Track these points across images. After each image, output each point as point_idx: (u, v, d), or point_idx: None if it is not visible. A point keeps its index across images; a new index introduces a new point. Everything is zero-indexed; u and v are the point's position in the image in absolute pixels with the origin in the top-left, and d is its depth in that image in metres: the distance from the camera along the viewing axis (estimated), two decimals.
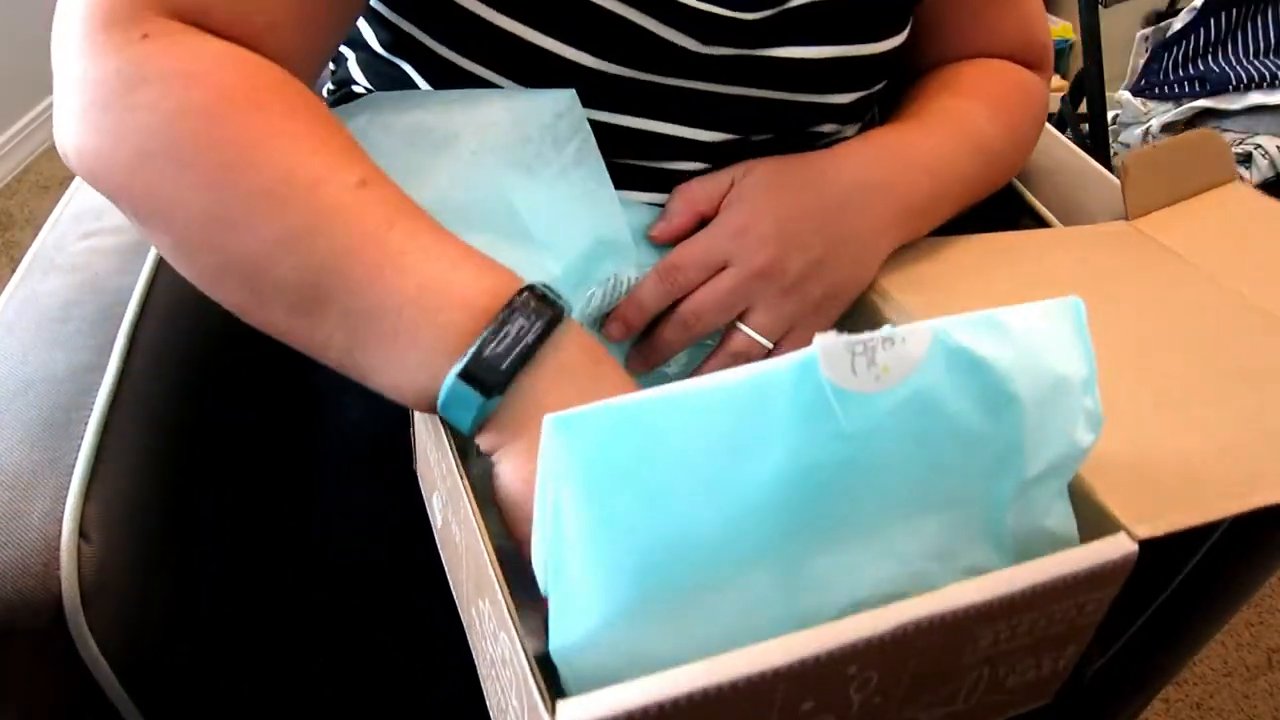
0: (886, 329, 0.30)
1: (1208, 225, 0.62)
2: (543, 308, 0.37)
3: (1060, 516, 0.36)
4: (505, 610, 0.31)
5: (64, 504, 0.43)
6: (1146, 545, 0.34)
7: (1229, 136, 1.46)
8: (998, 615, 0.32)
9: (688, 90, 0.51)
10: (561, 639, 0.29)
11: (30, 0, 2.09)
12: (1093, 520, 0.37)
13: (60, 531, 0.42)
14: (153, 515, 0.49)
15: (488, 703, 0.36)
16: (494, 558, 0.33)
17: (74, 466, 0.45)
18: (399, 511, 0.49)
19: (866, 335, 0.29)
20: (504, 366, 0.35)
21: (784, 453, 0.29)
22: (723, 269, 0.50)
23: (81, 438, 0.46)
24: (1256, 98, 1.46)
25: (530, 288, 0.37)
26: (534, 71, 0.48)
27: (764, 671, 0.28)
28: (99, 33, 0.37)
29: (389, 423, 0.48)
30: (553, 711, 0.27)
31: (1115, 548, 0.33)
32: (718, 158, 0.54)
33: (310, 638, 0.54)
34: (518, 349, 0.36)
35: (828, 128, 0.57)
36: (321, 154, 0.37)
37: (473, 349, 0.35)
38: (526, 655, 0.29)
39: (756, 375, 0.29)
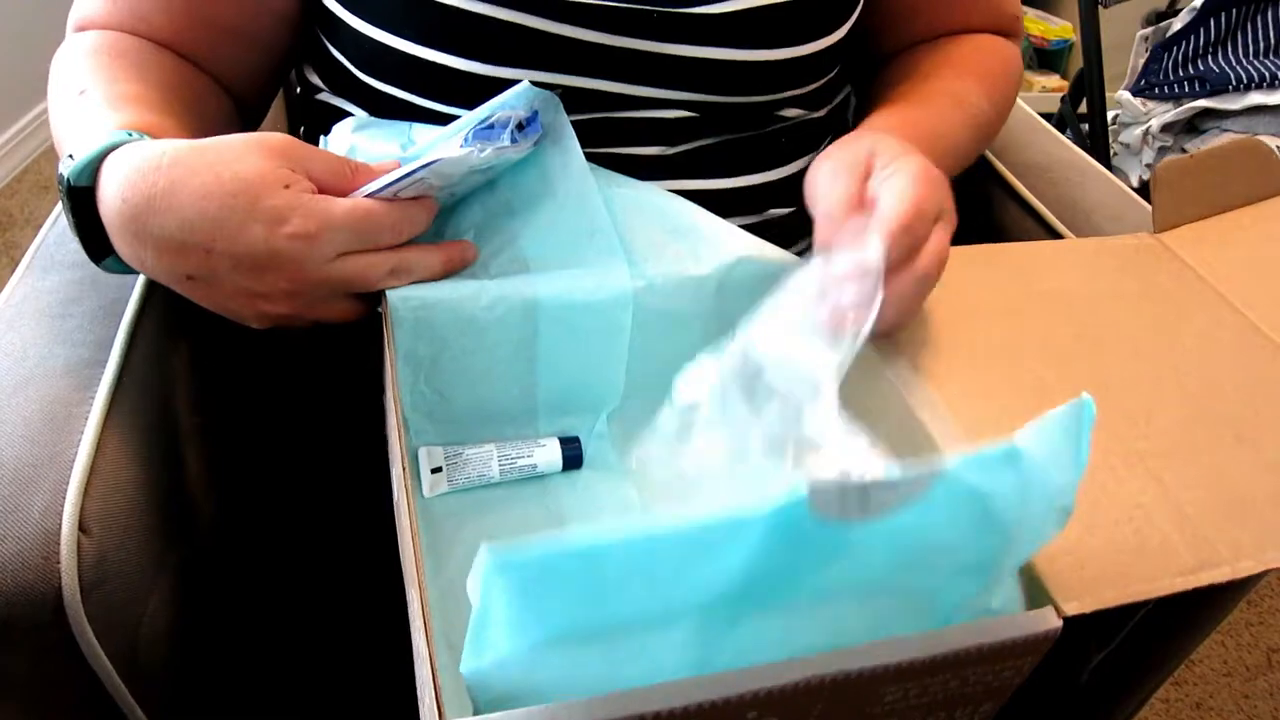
0: (889, 471, 0.29)
1: (1239, 243, 0.59)
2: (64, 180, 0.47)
3: (1007, 594, 0.36)
4: (419, 609, 0.31)
5: (64, 498, 0.43)
6: None
7: (1228, 137, 1.46)
8: (907, 677, 0.31)
9: (652, 57, 0.54)
10: (473, 663, 0.29)
11: (30, 1, 2.09)
12: (1027, 588, 0.36)
13: (60, 525, 0.42)
14: (152, 509, 0.49)
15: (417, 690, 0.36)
16: (419, 551, 0.33)
17: (74, 461, 0.45)
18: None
19: (864, 478, 0.28)
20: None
21: (744, 560, 0.29)
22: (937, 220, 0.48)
23: (81, 433, 0.46)
24: (1256, 98, 1.46)
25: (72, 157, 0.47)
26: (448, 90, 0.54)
27: (660, 711, 0.28)
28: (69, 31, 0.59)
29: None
30: None
31: (1038, 622, 0.33)
32: (674, 136, 0.57)
33: (309, 631, 0.54)
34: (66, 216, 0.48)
35: (791, 112, 0.60)
36: (81, 78, 0.53)
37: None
38: (432, 661, 0.30)
39: (731, 516, 0.28)
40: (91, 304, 0.54)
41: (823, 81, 0.61)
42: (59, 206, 0.63)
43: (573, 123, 0.53)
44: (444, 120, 0.53)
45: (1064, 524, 0.33)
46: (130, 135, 0.48)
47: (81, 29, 0.58)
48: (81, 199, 0.47)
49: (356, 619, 0.53)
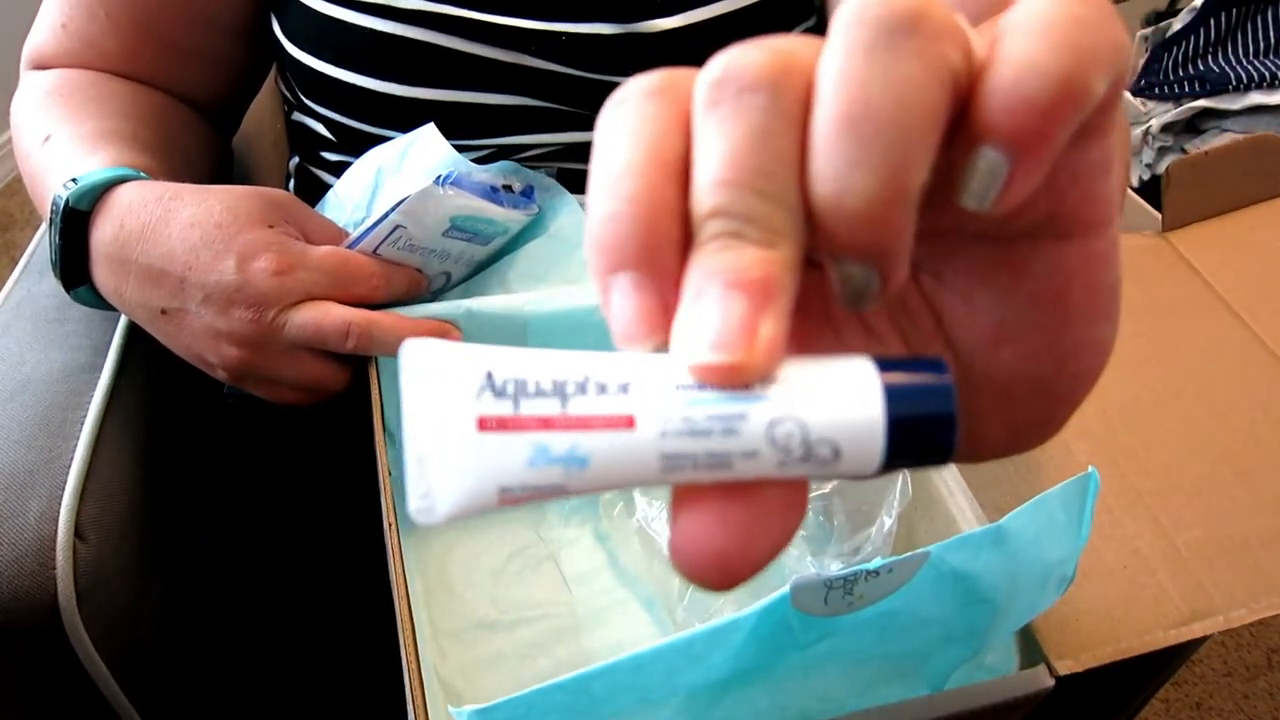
0: (878, 562, 0.28)
1: (1247, 246, 0.57)
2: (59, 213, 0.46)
3: (1000, 654, 0.35)
4: (401, 623, 0.31)
5: (60, 504, 0.43)
6: None
7: (1229, 137, 1.46)
8: None
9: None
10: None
11: (30, 2, 2.09)
12: (1020, 642, 0.36)
13: (56, 531, 0.42)
14: (148, 515, 0.49)
15: None
16: (404, 579, 0.33)
17: (70, 466, 0.45)
18: None
19: (847, 571, 0.28)
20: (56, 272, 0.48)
21: (730, 656, 0.29)
22: None
23: (77, 438, 0.46)
24: (1256, 98, 1.45)
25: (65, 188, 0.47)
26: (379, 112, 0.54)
27: None
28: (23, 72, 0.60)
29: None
30: None
31: (1031, 682, 0.32)
32: None
33: (304, 636, 0.54)
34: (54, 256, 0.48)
35: None
36: (43, 124, 0.53)
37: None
38: (410, 674, 0.30)
39: (716, 627, 0.28)
40: (88, 309, 0.54)
41: None
42: None
43: (490, 145, 0.53)
44: (376, 141, 0.53)
45: (1064, 590, 0.33)
46: (139, 174, 0.48)
47: (37, 66, 0.58)
48: (74, 223, 0.47)
49: (350, 624, 0.53)
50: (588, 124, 0.54)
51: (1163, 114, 1.53)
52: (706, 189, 0.17)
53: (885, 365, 0.17)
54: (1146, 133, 1.55)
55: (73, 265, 0.48)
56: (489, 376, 0.17)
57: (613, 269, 0.17)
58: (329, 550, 0.56)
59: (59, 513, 0.43)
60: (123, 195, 0.46)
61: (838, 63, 0.16)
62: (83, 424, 0.47)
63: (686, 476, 0.16)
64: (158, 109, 0.58)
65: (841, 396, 0.16)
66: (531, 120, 0.55)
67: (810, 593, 0.28)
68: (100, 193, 0.46)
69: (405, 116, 0.52)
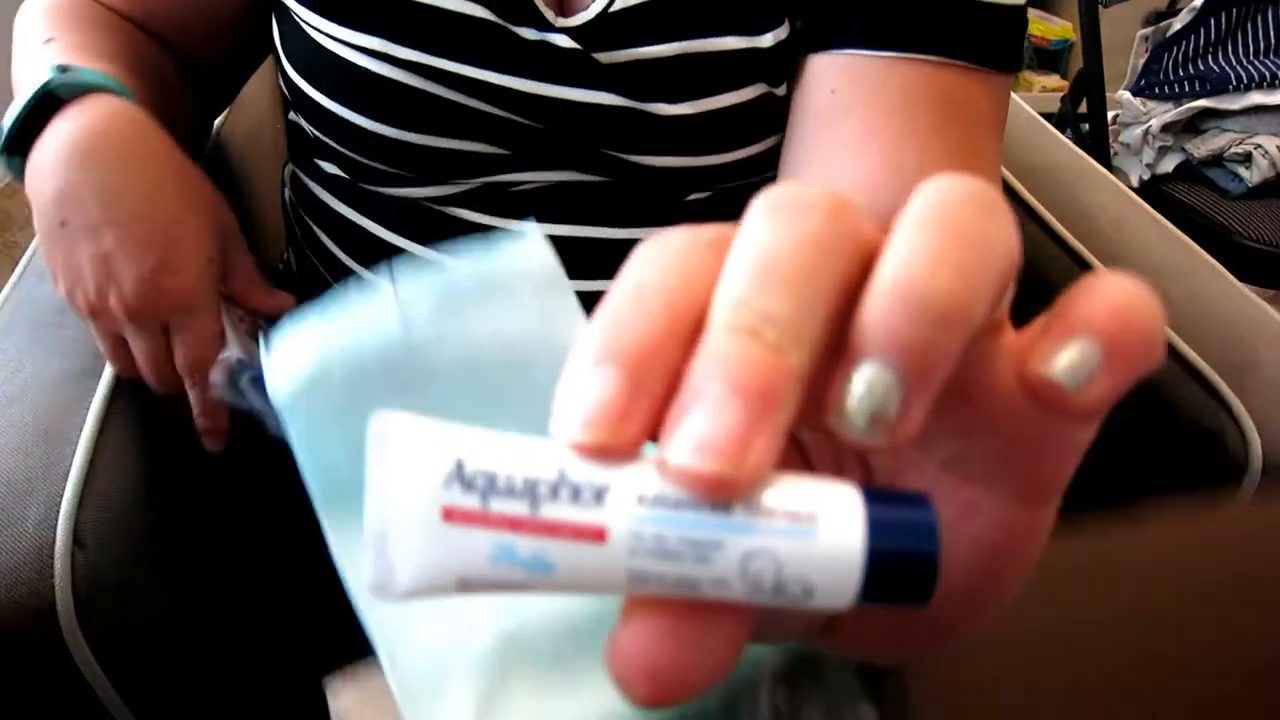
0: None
1: None
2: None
3: None
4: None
5: (58, 510, 0.43)
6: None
7: (1229, 136, 1.46)
8: None
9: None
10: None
11: None
12: None
13: (54, 538, 0.42)
14: (146, 521, 0.49)
15: None
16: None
17: (68, 473, 0.45)
18: None
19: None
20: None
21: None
22: None
23: (76, 444, 0.46)
24: (1256, 98, 1.45)
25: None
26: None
27: None
28: None
29: None
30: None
31: None
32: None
33: (301, 641, 0.54)
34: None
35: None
36: (47, 29, 0.54)
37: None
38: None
39: None
40: None
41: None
42: None
43: (477, 183, 0.52)
44: (364, 170, 0.53)
45: None
46: (129, 94, 0.49)
47: None
48: (47, 106, 0.48)
49: (348, 630, 0.53)
50: (579, 164, 0.52)
51: (1163, 114, 1.52)
52: (733, 276, 0.16)
53: (871, 498, 0.16)
54: (1147, 132, 1.55)
55: (20, 139, 0.49)
56: (459, 466, 0.16)
57: (605, 357, 0.15)
58: (328, 557, 0.56)
59: (57, 520, 0.43)
60: (107, 105, 0.47)
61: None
62: (81, 430, 0.47)
63: (651, 591, 0.16)
64: (150, 52, 0.58)
65: (823, 534, 0.15)
66: (522, 163, 0.53)
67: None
68: (86, 90, 0.47)
69: (394, 155, 0.51)
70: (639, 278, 0.16)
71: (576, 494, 0.15)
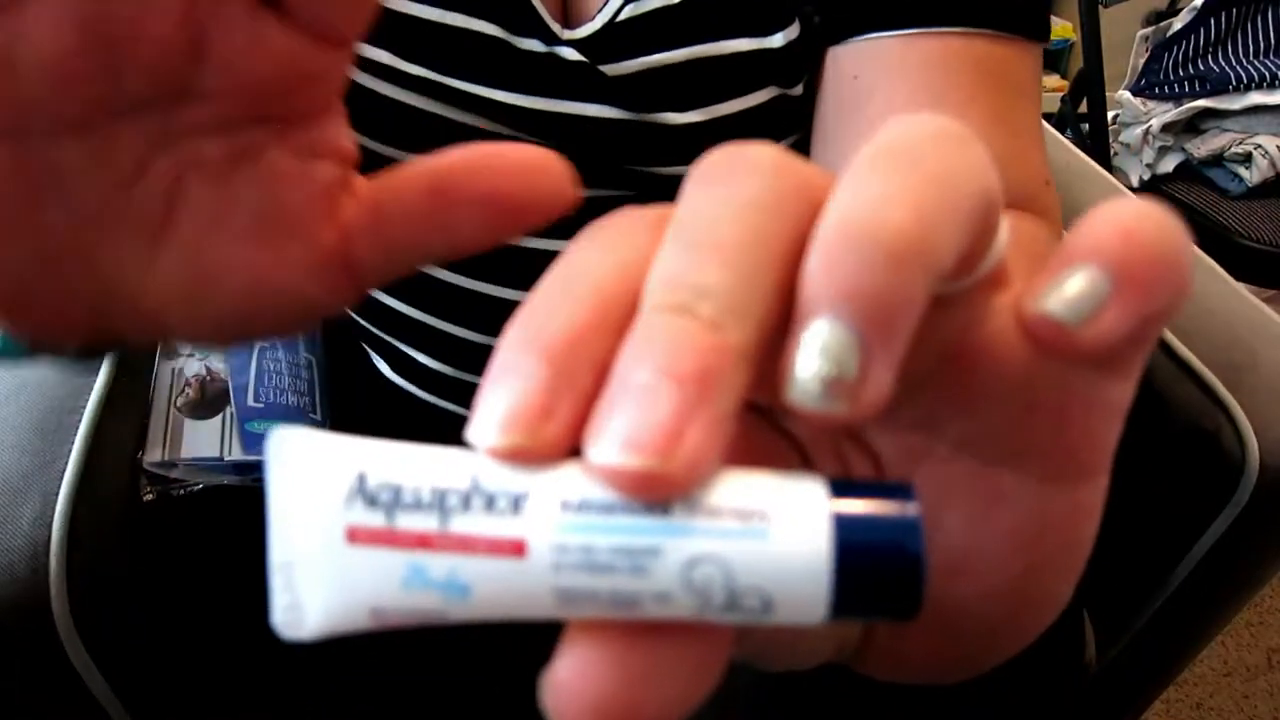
0: None
1: None
2: None
3: None
4: None
5: (53, 509, 0.43)
6: (1148, 543, 0.33)
7: (1229, 136, 1.46)
8: None
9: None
10: None
11: None
12: None
13: (49, 537, 0.42)
14: (142, 520, 0.49)
15: None
16: None
17: (64, 471, 0.45)
18: None
19: None
20: None
21: None
22: None
23: (72, 443, 0.46)
24: (1256, 98, 1.45)
25: None
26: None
27: None
28: None
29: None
30: None
31: None
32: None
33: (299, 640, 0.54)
34: None
35: None
36: None
37: None
38: None
39: None
40: None
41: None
42: None
43: None
44: None
45: None
46: None
47: None
48: None
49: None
50: (598, 179, 0.51)
51: (1163, 114, 1.52)
52: (664, 252, 0.14)
53: (840, 489, 0.14)
54: (1147, 132, 1.55)
55: None
56: (361, 480, 0.14)
57: (524, 350, 0.14)
58: None
59: (53, 518, 0.43)
60: None
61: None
62: (78, 428, 0.47)
63: (589, 613, 0.13)
64: None
65: (777, 533, 0.13)
66: None
67: None
68: None
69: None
70: (569, 263, 0.15)
71: (491, 503, 0.13)
